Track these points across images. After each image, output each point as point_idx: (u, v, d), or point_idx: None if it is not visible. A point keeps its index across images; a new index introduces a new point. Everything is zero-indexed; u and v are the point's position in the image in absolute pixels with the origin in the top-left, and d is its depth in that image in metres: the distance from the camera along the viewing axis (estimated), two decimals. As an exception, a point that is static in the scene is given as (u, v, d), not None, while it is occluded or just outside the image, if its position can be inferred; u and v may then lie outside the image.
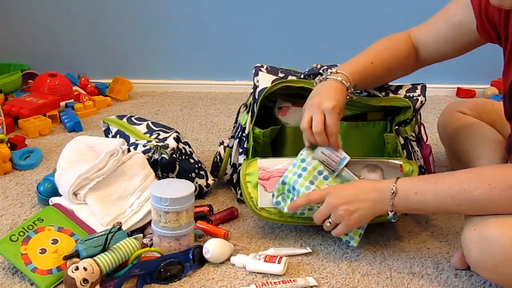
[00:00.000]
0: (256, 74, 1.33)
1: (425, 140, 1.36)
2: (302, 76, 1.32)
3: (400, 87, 1.30)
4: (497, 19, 1.06)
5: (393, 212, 1.07)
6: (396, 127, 1.27)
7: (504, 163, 1.23)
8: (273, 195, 1.16)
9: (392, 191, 1.04)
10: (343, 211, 1.07)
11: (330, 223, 1.10)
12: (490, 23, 1.08)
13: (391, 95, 1.27)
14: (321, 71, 1.30)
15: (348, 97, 1.16)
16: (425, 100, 1.26)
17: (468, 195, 0.98)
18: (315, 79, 1.21)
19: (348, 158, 1.14)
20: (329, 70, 1.20)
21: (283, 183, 1.15)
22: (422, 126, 1.35)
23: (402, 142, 1.27)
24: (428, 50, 1.23)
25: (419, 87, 1.29)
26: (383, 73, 1.23)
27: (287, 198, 1.15)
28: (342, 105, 1.13)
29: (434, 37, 1.20)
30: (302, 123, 1.13)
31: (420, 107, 1.26)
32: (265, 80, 1.29)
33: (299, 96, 1.36)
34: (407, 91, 1.28)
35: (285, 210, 1.14)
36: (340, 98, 1.13)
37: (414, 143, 1.28)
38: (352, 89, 1.16)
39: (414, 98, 1.25)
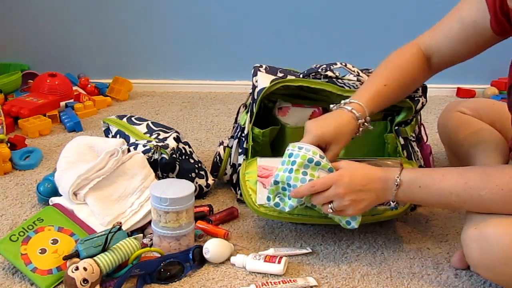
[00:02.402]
0: (255, 74, 1.33)
1: (425, 140, 1.36)
2: (301, 76, 1.32)
3: None
4: None
5: (394, 202, 1.07)
6: (396, 127, 1.27)
7: (504, 162, 1.23)
8: (268, 199, 1.12)
9: (396, 183, 1.03)
10: (349, 201, 1.04)
11: (332, 209, 1.06)
12: (504, 17, 1.06)
13: None
14: (319, 70, 1.30)
15: (362, 125, 1.13)
16: (426, 101, 1.26)
17: (473, 194, 0.98)
18: (331, 106, 1.17)
19: None
20: (343, 101, 1.15)
21: (276, 182, 1.10)
22: (422, 126, 1.35)
23: (402, 142, 1.27)
24: (441, 55, 1.19)
25: (420, 88, 1.29)
26: (398, 93, 1.20)
27: (284, 197, 1.11)
28: (331, 134, 1.11)
29: (447, 41, 1.17)
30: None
31: (421, 108, 1.26)
32: (264, 80, 1.29)
33: (299, 96, 1.36)
34: None
35: (287, 209, 1.10)
36: (331, 127, 1.11)
37: (414, 144, 1.29)
38: (368, 118, 1.13)
39: (416, 98, 1.25)
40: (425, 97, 1.27)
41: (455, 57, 1.18)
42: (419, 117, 1.34)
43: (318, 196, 1.06)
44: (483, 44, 1.14)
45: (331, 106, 1.17)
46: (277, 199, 1.11)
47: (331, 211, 1.06)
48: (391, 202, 1.06)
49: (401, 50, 1.21)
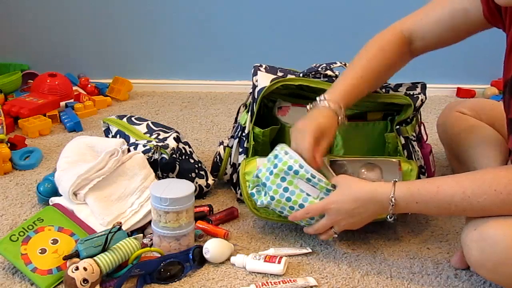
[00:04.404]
0: (255, 74, 1.33)
1: (425, 140, 1.36)
2: (301, 75, 1.32)
3: (400, 85, 1.30)
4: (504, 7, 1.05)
5: (392, 218, 1.07)
6: (397, 126, 1.27)
7: (504, 163, 1.22)
8: (248, 186, 1.17)
9: (391, 203, 1.03)
10: (346, 224, 1.10)
11: (336, 234, 1.12)
12: (496, 9, 1.06)
13: (391, 92, 1.27)
14: (319, 69, 1.30)
15: (340, 119, 1.15)
16: (426, 98, 1.26)
17: (472, 202, 0.97)
18: (307, 106, 1.18)
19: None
20: (317, 98, 1.16)
21: (257, 176, 1.15)
22: (422, 125, 1.35)
23: (403, 142, 1.26)
24: (426, 41, 1.19)
25: (419, 85, 1.29)
26: (373, 83, 1.21)
27: (261, 191, 1.15)
28: (322, 126, 1.12)
29: (435, 28, 1.16)
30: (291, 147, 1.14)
31: (421, 105, 1.26)
32: (264, 80, 1.29)
33: (299, 96, 1.36)
34: (407, 89, 1.28)
35: (258, 203, 1.15)
36: (320, 120, 1.12)
37: (414, 143, 1.28)
38: (343, 111, 1.14)
39: (415, 96, 1.25)
40: (425, 94, 1.26)
41: (440, 43, 1.19)
42: (419, 116, 1.34)
43: (318, 228, 1.12)
44: (472, 31, 1.14)
45: (308, 106, 1.17)
46: (254, 190, 1.17)
47: (336, 235, 1.12)
48: (388, 217, 1.07)
49: (381, 37, 1.22)
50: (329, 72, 1.30)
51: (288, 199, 1.12)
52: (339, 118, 1.14)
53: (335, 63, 1.31)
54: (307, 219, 1.13)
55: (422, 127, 1.35)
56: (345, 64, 1.31)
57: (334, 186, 1.11)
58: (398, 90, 1.29)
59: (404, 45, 1.20)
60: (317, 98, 1.16)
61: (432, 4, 1.18)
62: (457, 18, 1.13)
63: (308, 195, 1.11)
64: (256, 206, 1.18)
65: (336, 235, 1.13)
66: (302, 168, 1.10)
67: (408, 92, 1.27)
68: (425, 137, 1.36)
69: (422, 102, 1.25)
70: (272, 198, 1.13)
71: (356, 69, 1.18)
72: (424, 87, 1.29)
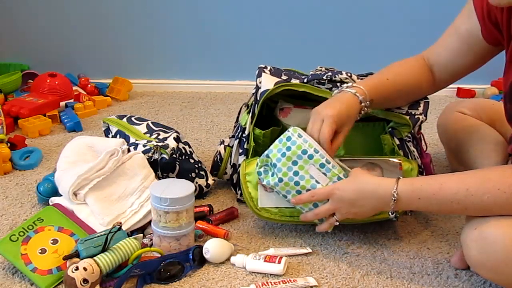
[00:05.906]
0: (259, 75, 1.32)
1: (424, 149, 1.34)
2: (305, 80, 1.31)
3: None
4: (500, 20, 1.05)
5: (393, 214, 1.07)
6: (390, 129, 1.26)
7: (504, 162, 1.23)
8: (256, 164, 1.17)
9: (393, 199, 1.03)
10: (347, 213, 1.10)
11: (337, 221, 1.12)
12: (493, 25, 1.07)
13: (395, 109, 1.26)
14: (324, 77, 1.29)
15: (362, 110, 1.15)
16: (426, 119, 1.24)
17: (475, 200, 0.97)
18: (334, 91, 1.19)
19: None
20: (345, 85, 1.18)
21: (267, 156, 1.14)
22: (421, 136, 1.33)
23: (398, 142, 1.26)
24: (442, 67, 1.21)
25: (422, 104, 1.27)
26: (400, 90, 1.21)
27: (269, 171, 1.14)
28: (344, 115, 1.12)
29: (445, 52, 1.18)
30: (307, 129, 1.14)
31: (419, 125, 1.25)
32: (267, 82, 1.29)
33: (301, 97, 1.35)
34: (409, 107, 1.26)
35: (265, 182, 1.15)
36: (343, 109, 1.12)
37: (410, 144, 1.28)
38: (367, 103, 1.15)
39: (416, 116, 1.24)
40: (426, 115, 1.24)
41: (455, 68, 1.20)
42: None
43: (319, 212, 1.12)
44: (480, 54, 1.14)
45: (334, 92, 1.19)
46: (262, 169, 1.16)
47: (338, 223, 1.13)
48: (389, 214, 1.07)
49: (406, 58, 1.25)
50: (333, 78, 1.29)
51: (297, 183, 1.11)
52: (362, 105, 1.14)
53: (341, 73, 1.29)
54: (309, 206, 1.13)
55: (421, 138, 1.32)
56: (350, 76, 1.29)
57: (346, 176, 1.11)
58: (401, 107, 1.27)
59: (425, 67, 1.22)
60: (344, 85, 1.18)
61: (446, 30, 1.19)
62: (462, 40, 1.14)
63: (317, 182, 1.11)
64: (258, 207, 1.18)
65: (337, 223, 1.12)
66: (318, 153, 1.10)
67: (409, 111, 1.25)
68: (424, 147, 1.34)
69: (421, 122, 1.25)
70: (280, 180, 1.12)
71: (382, 74, 1.21)
72: (427, 106, 1.26)
